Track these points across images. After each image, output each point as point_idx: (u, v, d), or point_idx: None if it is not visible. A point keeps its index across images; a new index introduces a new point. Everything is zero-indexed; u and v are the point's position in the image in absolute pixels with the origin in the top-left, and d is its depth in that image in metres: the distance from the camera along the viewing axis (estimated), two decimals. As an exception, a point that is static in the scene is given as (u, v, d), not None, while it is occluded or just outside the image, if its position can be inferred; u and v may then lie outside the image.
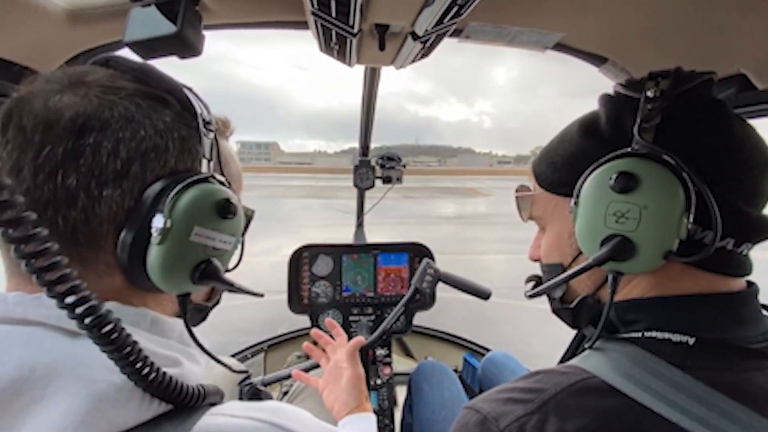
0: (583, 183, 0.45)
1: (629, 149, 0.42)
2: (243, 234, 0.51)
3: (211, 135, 0.41)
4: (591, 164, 0.45)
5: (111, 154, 0.33)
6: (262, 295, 0.55)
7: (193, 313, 0.48)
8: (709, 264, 0.42)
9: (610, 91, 0.49)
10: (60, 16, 0.59)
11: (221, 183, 0.40)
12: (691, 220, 0.40)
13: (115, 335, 0.29)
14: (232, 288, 0.43)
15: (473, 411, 0.43)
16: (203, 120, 0.40)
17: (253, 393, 0.47)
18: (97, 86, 0.34)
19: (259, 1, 0.62)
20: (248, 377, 0.51)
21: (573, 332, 1.31)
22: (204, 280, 0.38)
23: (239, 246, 0.46)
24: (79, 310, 0.27)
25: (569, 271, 0.47)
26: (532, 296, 0.56)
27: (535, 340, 3.36)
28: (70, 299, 0.27)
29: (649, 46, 0.73)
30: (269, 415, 0.37)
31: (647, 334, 0.43)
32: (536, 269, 0.62)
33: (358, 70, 0.75)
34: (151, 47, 0.55)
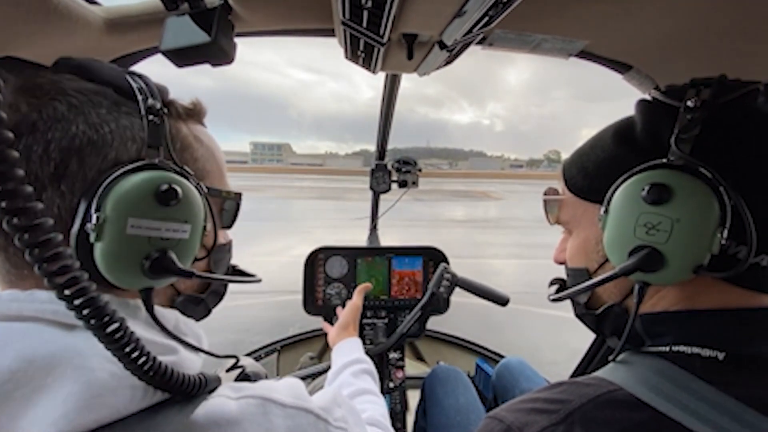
0: (614, 191, 0.45)
1: (665, 160, 0.42)
2: (233, 219, 0.51)
3: (157, 120, 0.39)
4: (624, 173, 0.44)
5: (43, 157, 0.33)
6: (258, 280, 0.56)
7: (189, 305, 0.47)
8: (741, 279, 0.41)
9: (629, 94, 0.48)
10: (98, 24, 0.61)
11: (169, 168, 0.39)
12: (725, 235, 0.39)
13: (114, 327, 0.29)
14: (196, 276, 0.40)
15: (496, 420, 0.44)
16: (146, 105, 0.39)
17: (243, 378, 0.47)
18: (31, 91, 0.34)
19: (288, 10, 0.63)
20: (237, 362, 0.52)
21: (586, 341, 1.29)
22: (160, 274, 0.37)
23: (205, 231, 0.43)
24: (77, 302, 0.27)
25: (594, 279, 0.47)
26: (555, 300, 0.55)
27: (547, 348, 3.32)
28: (68, 291, 0.26)
29: (675, 54, 0.72)
30: (261, 391, 0.39)
31: (675, 348, 0.42)
32: (547, 275, 0.62)
33: (368, 73, 0.76)
34: (186, 55, 0.57)
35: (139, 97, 0.39)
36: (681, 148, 0.41)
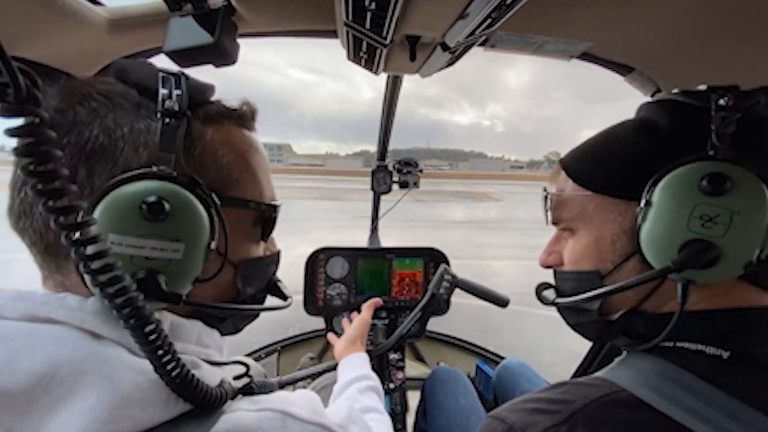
0: (654, 183, 0.43)
1: (711, 152, 0.41)
2: (268, 233, 0.48)
3: (174, 122, 0.36)
4: (657, 166, 0.43)
5: None
6: (285, 306, 0.51)
7: (213, 321, 0.44)
8: (761, 279, 0.42)
9: (630, 96, 0.48)
10: (102, 24, 0.61)
11: (170, 177, 0.35)
12: None
13: (155, 336, 0.29)
14: (187, 303, 0.37)
15: (498, 420, 0.44)
16: (164, 108, 0.36)
17: (248, 389, 0.45)
18: (60, 95, 0.34)
19: (291, 11, 0.63)
20: (247, 371, 0.51)
21: (586, 343, 1.29)
22: (148, 297, 0.33)
23: (209, 251, 0.38)
24: (118, 300, 0.27)
25: (633, 279, 0.44)
26: (561, 304, 0.53)
27: (546, 349, 3.32)
28: (110, 289, 0.27)
29: (677, 57, 0.72)
30: (281, 405, 0.38)
31: (679, 344, 0.42)
32: (547, 277, 0.59)
33: (367, 72, 0.75)
34: (188, 56, 0.57)
35: (159, 98, 0.36)
36: (724, 144, 0.40)
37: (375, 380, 0.85)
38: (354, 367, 0.90)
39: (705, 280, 0.41)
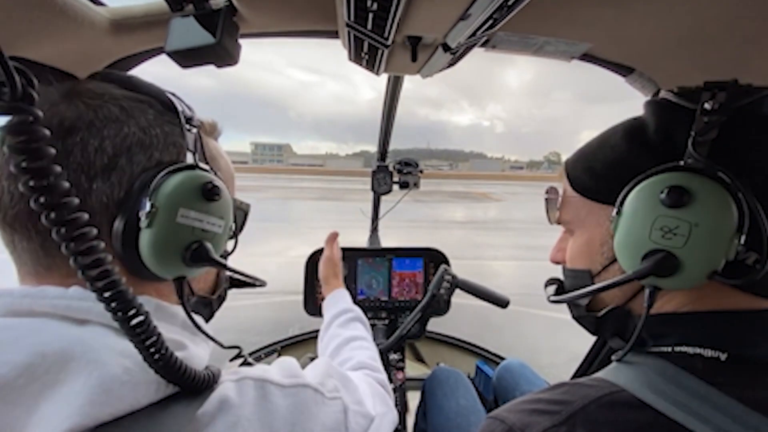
0: (627, 193, 0.43)
1: (682, 162, 0.41)
2: (241, 228, 0.55)
3: (194, 131, 0.43)
4: (636, 174, 0.43)
5: (98, 150, 0.35)
6: (264, 284, 0.58)
7: (199, 307, 0.49)
8: (750, 286, 0.41)
9: (630, 97, 0.48)
10: (104, 25, 0.61)
11: (206, 170, 0.42)
12: (742, 241, 0.38)
13: (138, 320, 0.30)
14: (226, 268, 0.44)
15: (498, 421, 0.44)
16: (185, 117, 0.43)
17: (246, 365, 0.51)
18: (85, 94, 0.37)
19: (293, 12, 0.63)
20: (240, 352, 0.57)
21: (586, 344, 1.29)
22: (196, 262, 0.39)
23: (231, 232, 0.48)
24: (107, 294, 0.28)
25: (603, 283, 0.46)
26: (555, 302, 0.55)
27: (546, 350, 3.31)
28: (100, 283, 0.28)
29: (678, 57, 0.72)
30: (260, 373, 0.42)
31: (677, 348, 0.42)
32: (547, 277, 0.62)
33: (366, 72, 0.76)
34: (190, 56, 0.57)
35: (179, 109, 0.43)
36: (698, 151, 0.40)
37: (355, 311, 0.86)
38: (332, 304, 0.90)
39: (669, 287, 0.42)
